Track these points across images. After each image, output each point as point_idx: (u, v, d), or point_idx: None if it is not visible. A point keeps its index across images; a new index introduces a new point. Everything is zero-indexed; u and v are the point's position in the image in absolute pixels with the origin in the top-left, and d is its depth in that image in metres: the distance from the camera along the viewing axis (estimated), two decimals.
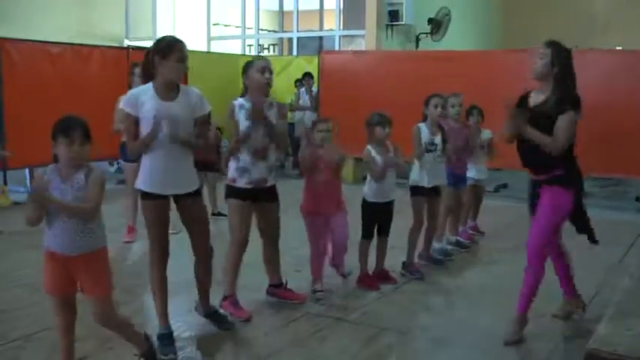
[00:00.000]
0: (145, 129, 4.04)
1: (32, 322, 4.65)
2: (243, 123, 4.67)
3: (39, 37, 10.26)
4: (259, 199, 4.81)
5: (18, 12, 13.88)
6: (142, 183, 4.18)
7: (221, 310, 4.76)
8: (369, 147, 5.52)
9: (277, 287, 5.18)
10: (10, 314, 4.89)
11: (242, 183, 4.73)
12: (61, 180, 3.43)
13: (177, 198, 4.23)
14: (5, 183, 9.33)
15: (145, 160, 4.16)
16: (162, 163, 4.11)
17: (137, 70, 6.63)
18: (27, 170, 10.19)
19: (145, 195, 4.18)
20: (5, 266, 6.20)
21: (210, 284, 4.60)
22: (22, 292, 5.39)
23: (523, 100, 4.42)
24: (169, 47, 4.05)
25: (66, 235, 3.44)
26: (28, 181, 10.17)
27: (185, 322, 4.68)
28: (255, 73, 4.68)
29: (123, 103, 4.13)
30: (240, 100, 4.76)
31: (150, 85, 4.12)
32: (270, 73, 4.74)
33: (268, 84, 4.72)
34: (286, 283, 5.22)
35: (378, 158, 5.45)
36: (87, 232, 3.48)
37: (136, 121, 4.08)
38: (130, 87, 7.09)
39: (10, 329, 4.57)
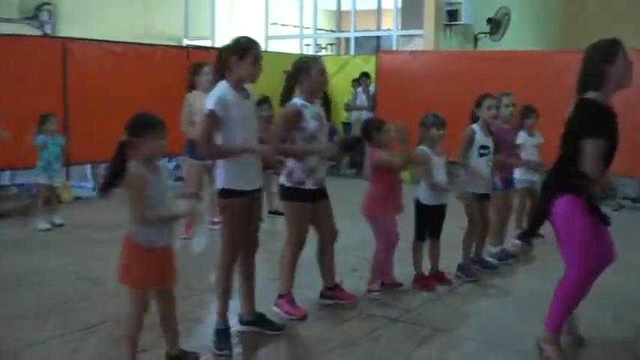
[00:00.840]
0: (233, 127, 4.09)
1: (93, 314, 4.76)
2: (311, 122, 4.69)
3: (100, 37, 10.49)
4: (317, 198, 4.84)
5: (80, 13, 14.20)
6: (231, 182, 4.19)
7: (268, 314, 4.68)
8: (424, 147, 5.47)
9: (332, 289, 5.16)
10: (72, 306, 5.02)
11: (310, 185, 4.73)
12: (157, 174, 3.63)
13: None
14: (68, 178, 9.59)
15: (234, 160, 4.17)
16: (249, 161, 4.18)
17: (207, 69, 6.68)
18: (89, 166, 10.47)
19: (234, 193, 4.18)
20: (67, 259, 6.37)
21: (255, 280, 4.55)
22: (83, 284, 5.54)
23: (611, 110, 3.97)
24: (247, 48, 4.14)
25: (170, 226, 3.68)
26: (89, 177, 10.46)
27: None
28: (318, 75, 4.74)
29: (215, 106, 4.05)
30: (300, 101, 4.74)
31: (225, 84, 4.15)
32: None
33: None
34: (341, 283, 5.22)
35: (437, 160, 5.43)
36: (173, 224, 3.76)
37: (218, 122, 4.08)
38: (192, 86, 7.19)
39: (72, 320, 4.69)
